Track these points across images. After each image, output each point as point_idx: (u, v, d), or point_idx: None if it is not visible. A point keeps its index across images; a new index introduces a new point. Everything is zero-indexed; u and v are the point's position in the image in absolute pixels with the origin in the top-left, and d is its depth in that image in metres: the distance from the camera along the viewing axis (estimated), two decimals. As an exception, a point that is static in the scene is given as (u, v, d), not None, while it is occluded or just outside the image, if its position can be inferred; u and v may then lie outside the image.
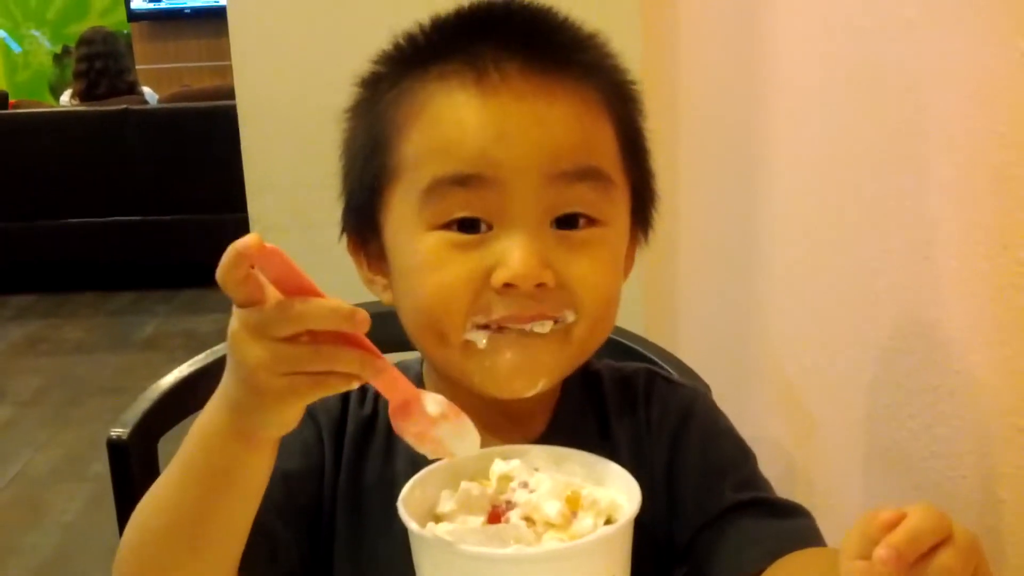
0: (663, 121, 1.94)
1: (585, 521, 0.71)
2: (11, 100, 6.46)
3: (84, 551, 2.88)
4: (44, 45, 8.72)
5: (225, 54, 2.46)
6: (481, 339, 0.81)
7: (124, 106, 5.48)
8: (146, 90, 6.27)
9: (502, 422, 0.87)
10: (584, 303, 0.82)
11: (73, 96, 6.01)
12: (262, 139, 2.35)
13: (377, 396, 0.92)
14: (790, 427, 1.39)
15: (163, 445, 1.11)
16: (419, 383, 0.92)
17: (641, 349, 1.19)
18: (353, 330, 0.63)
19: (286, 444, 0.72)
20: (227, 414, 0.68)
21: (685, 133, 1.92)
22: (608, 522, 0.71)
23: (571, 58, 0.84)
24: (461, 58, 0.82)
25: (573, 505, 0.71)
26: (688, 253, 1.97)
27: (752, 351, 1.58)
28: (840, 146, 1.16)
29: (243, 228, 2.58)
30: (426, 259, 0.82)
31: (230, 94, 2.47)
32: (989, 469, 0.86)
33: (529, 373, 0.82)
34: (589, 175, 0.82)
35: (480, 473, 0.77)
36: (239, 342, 0.64)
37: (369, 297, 0.91)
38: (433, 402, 0.70)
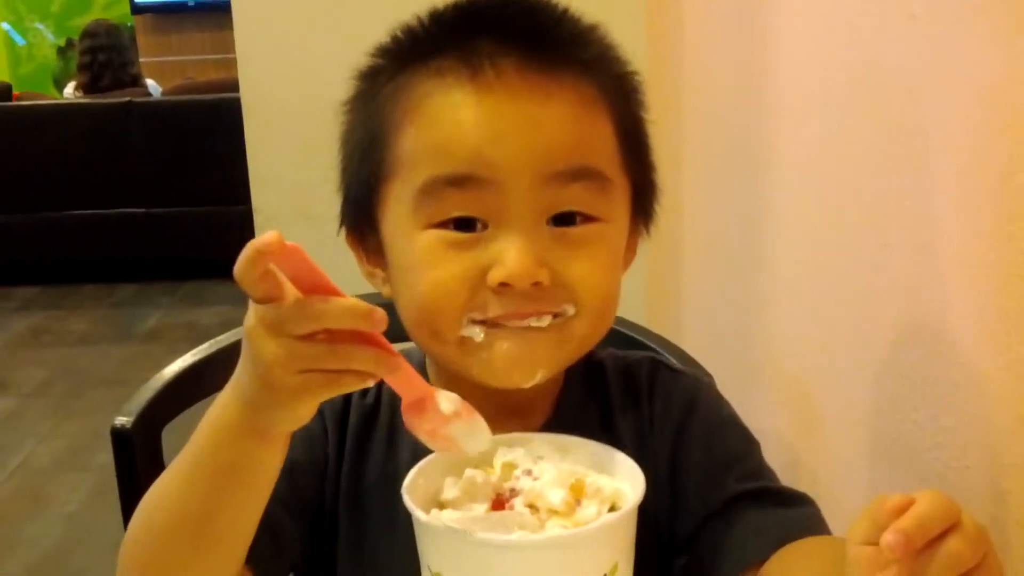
0: (667, 118, 1.94)
1: (589, 509, 0.71)
2: (15, 93, 6.47)
3: (86, 542, 2.89)
4: (48, 38, 8.72)
5: (229, 47, 2.46)
6: (478, 334, 0.81)
7: (128, 99, 5.48)
8: (150, 83, 6.27)
9: (504, 413, 0.87)
10: (583, 299, 0.82)
11: (77, 89, 6.02)
12: (265, 132, 2.35)
13: (379, 386, 0.92)
14: (793, 419, 1.39)
15: (167, 434, 1.11)
16: (422, 372, 0.92)
17: (643, 339, 1.19)
18: (371, 329, 0.63)
19: (291, 436, 0.72)
20: (239, 408, 0.67)
21: (688, 130, 1.92)
22: (612, 510, 0.71)
23: (570, 53, 0.83)
24: (457, 54, 0.81)
25: (577, 493, 0.71)
26: (691, 247, 1.97)
27: (755, 344, 1.58)
28: (841, 143, 1.16)
29: (246, 220, 2.59)
30: (422, 257, 0.81)
31: (234, 87, 2.47)
32: (993, 460, 0.86)
33: (527, 364, 0.82)
34: (585, 175, 0.81)
35: (484, 461, 0.76)
36: (255, 338, 0.64)
37: (370, 289, 0.91)
38: (447, 400, 0.70)
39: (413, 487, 0.73)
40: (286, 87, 2.30)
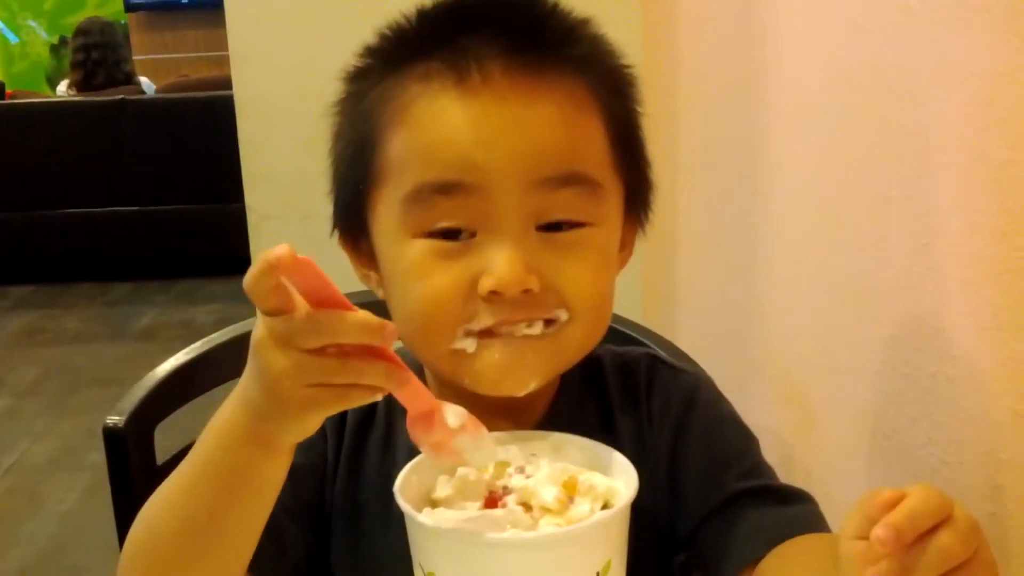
0: (663, 116, 1.93)
1: (582, 506, 0.70)
2: (8, 91, 6.46)
3: (81, 540, 2.88)
4: (41, 35, 8.71)
5: (222, 44, 2.45)
6: (470, 346, 0.80)
7: (121, 96, 5.47)
8: (143, 80, 6.26)
9: (497, 413, 0.86)
10: (574, 305, 0.81)
11: (70, 86, 6.00)
12: (259, 129, 2.35)
13: None
14: (789, 416, 1.39)
15: (159, 433, 1.10)
16: (418, 373, 0.91)
17: (640, 337, 1.19)
18: (382, 343, 0.63)
19: None
20: (245, 417, 0.67)
21: (685, 127, 1.92)
22: (605, 507, 0.71)
23: (560, 51, 0.81)
24: (444, 55, 0.80)
25: (570, 490, 0.71)
26: (688, 245, 1.97)
27: (750, 342, 1.58)
28: (839, 140, 1.16)
29: (240, 218, 2.58)
30: (412, 267, 0.81)
31: (227, 84, 2.46)
32: (989, 456, 0.85)
33: (519, 373, 0.81)
34: (573, 180, 0.80)
35: (477, 458, 0.76)
36: (264, 349, 0.63)
37: (363, 288, 0.91)
38: (453, 414, 0.70)
39: (406, 485, 0.73)
40: (279, 85, 2.30)
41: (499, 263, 0.78)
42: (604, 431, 0.89)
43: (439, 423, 0.70)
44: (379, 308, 0.81)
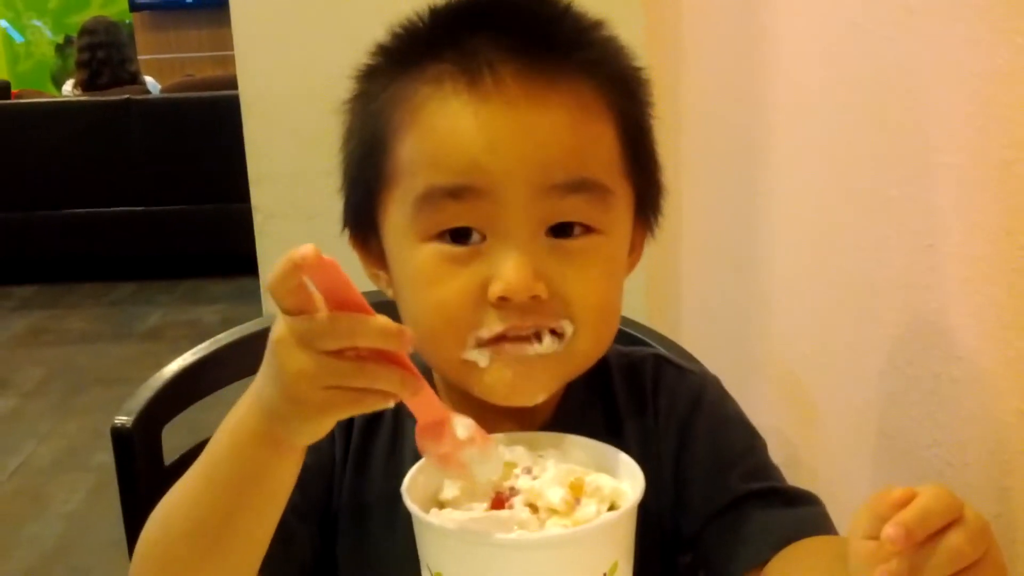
0: (666, 116, 1.93)
1: (588, 508, 0.70)
2: (13, 90, 6.46)
3: (86, 541, 2.88)
4: (46, 35, 8.72)
5: (227, 44, 2.46)
6: (482, 359, 0.80)
7: (126, 96, 5.47)
8: (148, 80, 6.27)
9: (504, 415, 0.86)
10: (580, 316, 0.81)
11: (75, 86, 6.02)
12: (264, 129, 2.35)
13: None
14: (792, 416, 1.39)
15: (167, 434, 1.11)
16: (427, 376, 0.92)
17: (645, 337, 1.19)
18: (400, 349, 0.63)
19: None
20: (259, 418, 0.67)
21: (687, 127, 1.91)
22: (612, 509, 0.71)
23: (571, 54, 0.81)
24: (455, 58, 0.80)
25: (576, 492, 0.71)
26: (691, 245, 1.97)
27: (754, 341, 1.58)
28: (840, 140, 1.16)
29: (245, 218, 2.59)
30: (422, 272, 0.81)
31: (232, 83, 2.47)
32: (993, 456, 0.85)
33: (529, 388, 0.82)
34: (583, 187, 0.80)
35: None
36: (284, 348, 0.63)
37: (371, 287, 0.91)
38: (462, 426, 0.70)
39: (412, 486, 0.73)
40: (285, 84, 2.30)
41: (508, 268, 0.78)
42: (610, 432, 0.89)
43: (448, 434, 0.70)
44: (387, 308, 0.81)
